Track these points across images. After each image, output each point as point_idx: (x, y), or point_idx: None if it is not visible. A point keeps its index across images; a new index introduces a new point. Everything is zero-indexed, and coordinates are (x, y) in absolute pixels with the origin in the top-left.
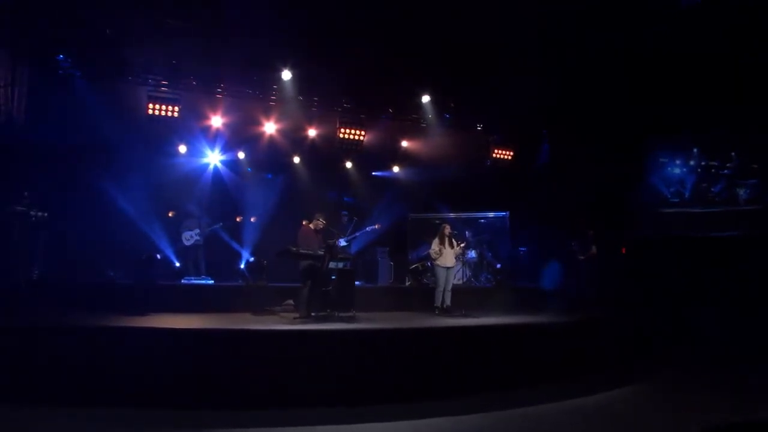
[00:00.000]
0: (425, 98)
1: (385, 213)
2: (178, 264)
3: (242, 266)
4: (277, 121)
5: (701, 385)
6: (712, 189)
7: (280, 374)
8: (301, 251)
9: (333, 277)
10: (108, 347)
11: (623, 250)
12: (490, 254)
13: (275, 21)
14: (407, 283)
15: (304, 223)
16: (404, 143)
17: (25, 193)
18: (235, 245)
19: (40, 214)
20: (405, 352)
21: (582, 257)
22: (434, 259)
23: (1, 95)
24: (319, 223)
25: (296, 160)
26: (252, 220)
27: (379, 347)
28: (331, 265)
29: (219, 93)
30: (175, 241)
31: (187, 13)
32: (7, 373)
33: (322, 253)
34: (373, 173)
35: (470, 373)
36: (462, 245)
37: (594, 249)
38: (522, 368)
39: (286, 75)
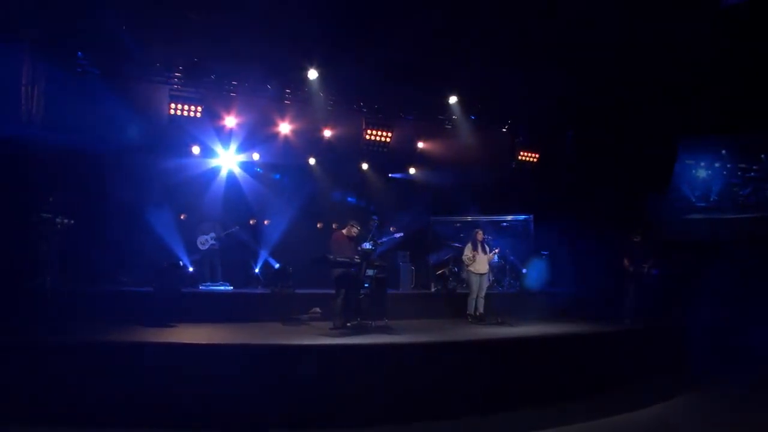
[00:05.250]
0: (452, 99)
1: (406, 216)
2: (191, 269)
3: (257, 270)
4: (296, 121)
5: (749, 396)
6: (741, 192)
7: (334, 391)
8: (339, 259)
9: (366, 285)
10: (148, 366)
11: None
12: (512, 258)
13: (301, 19)
14: (433, 289)
15: (319, 225)
16: (424, 145)
17: (50, 199)
18: (250, 249)
19: (66, 221)
20: (458, 366)
21: (633, 269)
22: (467, 266)
23: (23, 95)
24: (353, 230)
25: (312, 161)
26: (265, 222)
27: (432, 360)
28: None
29: (240, 92)
30: (190, 245)
31: (208, 10)
32: (28, 390)
33: (359, 260)
34: (391, 175)
35: (522, 386)
36: (496, 251)
37: (651, 260)
38: (574, 380)
39: (313, 74)
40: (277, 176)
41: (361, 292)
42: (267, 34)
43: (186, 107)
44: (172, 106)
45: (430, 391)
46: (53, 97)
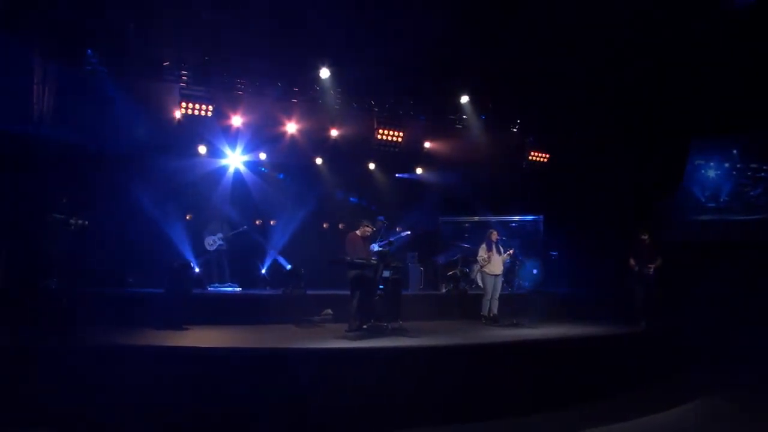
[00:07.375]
0: (464, 98)
1: (414, 217)
2: (197, 270)
3: (264, 271)
4: (303, 121)
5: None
6: (751, 193)
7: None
8: (357, 260)
9: (381, 287)
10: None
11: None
12: (521, 257)
13: (313, 18)
14: (443, 290)
15: (325, 226)
16: (432, 145)
17: (64, 200)
18: (258, 249)
19: (80, 222)
20: (480, 369)
21: (639, 269)
22: (482, 267)
23: (34, 94)
24: (367, 230)
25: (318, 161)
26: (272, 223)
27: (458, 363)
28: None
29: (249, 91)
30: (197, 245)
31: (218, 9)
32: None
33: (376, 261)
34: (398, 175)
35: (542, 388)
36: (510, 252)
37: (659, 260)
38: (588, 382)
39: (325, 73)
40: (281, 176)
41: (377, 293)
42: (278, 32)
43: (197, 106)
44: (183, 105)
45: (461, 393)
46: (63, 97)
